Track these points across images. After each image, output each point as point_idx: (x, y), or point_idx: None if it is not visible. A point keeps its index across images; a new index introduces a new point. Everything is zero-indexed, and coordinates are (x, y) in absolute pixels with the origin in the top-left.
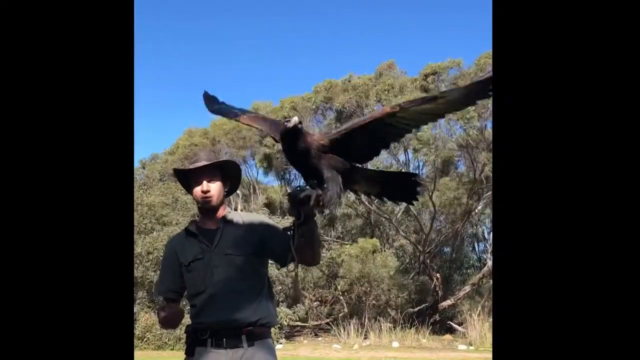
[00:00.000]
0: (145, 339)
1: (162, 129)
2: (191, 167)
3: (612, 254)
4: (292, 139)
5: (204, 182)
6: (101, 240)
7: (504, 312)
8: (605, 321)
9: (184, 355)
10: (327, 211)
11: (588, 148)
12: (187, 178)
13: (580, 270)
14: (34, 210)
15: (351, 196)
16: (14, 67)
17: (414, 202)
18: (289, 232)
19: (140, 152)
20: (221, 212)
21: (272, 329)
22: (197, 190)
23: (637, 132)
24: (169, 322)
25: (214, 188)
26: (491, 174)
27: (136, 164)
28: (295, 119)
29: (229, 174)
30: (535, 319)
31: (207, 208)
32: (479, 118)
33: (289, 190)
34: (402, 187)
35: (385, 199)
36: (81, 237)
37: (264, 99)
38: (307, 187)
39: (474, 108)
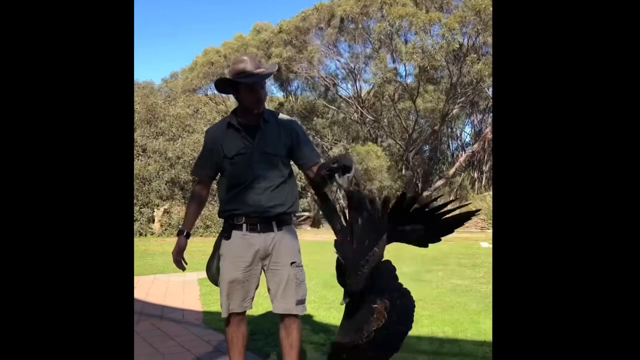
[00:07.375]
0: (177, 227)
1: (179, 49)
2: (257, 71)
3: (613, 260)
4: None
5: (260, 90)
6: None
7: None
8: (606, 320)
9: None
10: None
11: (587, 144)
12: (235, 84)
13: (582, 267)
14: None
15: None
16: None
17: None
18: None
19: (161, 72)
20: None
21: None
22: (253, 97)
23: (637, 130)
24: (199, 198)
25: (265, 94)
26: (475, 80)
27: (158, 82)
28: None
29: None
30: (535, 314)
31: (257, 112)
32: (462, 33)
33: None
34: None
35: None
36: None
37: (263, 20)
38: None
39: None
